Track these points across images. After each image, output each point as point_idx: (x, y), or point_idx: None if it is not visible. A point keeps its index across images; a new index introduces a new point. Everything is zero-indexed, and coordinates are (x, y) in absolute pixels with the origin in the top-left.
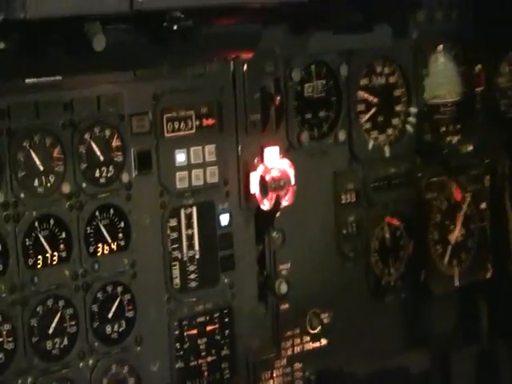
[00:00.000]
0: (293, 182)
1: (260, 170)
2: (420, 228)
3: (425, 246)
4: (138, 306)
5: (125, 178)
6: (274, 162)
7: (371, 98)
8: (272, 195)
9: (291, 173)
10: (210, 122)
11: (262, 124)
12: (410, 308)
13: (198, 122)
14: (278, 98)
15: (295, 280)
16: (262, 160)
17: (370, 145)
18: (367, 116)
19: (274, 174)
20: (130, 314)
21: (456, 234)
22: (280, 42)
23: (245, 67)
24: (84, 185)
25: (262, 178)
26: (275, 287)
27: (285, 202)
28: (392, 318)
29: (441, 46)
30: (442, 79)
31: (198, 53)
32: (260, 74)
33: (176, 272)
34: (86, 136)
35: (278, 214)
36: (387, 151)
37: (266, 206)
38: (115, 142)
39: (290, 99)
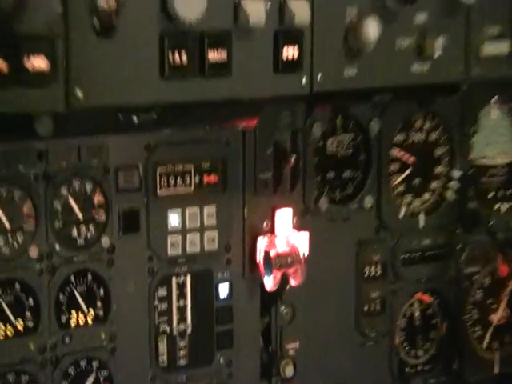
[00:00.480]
0: (303, 260)
1: (264, 242)
2: (457, 306)
3: (461, 327)
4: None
5: (106, 240)
6: (285, 228)
7: (407, 157)
8: (277, 274)
9: (302, 248)
10: (212, 179)
11: (274, 184)
12: None
13: (197, 179)
14: (294, 157)
15: (304, 362)
16: (272, 224)
17: (402, 212)
18: (401, 178)
19: (281, 248)
20: None
21: (499, 315)
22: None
23: (257, 120)
24: (57, 246)
25: (266, 254)
26: (280, 369)
27: (293, 282)
28: None
29: (495, 97)
30: (494, 137)
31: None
32: (274, 126)
33: (163, 347)
34: (63, 190)
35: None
36: (422, 220)
37: (269, 285)
38: (97, 199)
39: (309, 157)
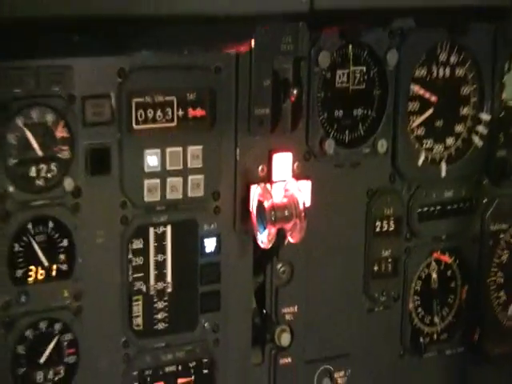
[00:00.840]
0: (303, 213)
1: (258, 191)
2: (480, 268)
3: (484, 291)
4: (81, 349)
5: (70, 182)
6: (284, 175)
7: (428, 95)
8: (271, 229)
9: (302, 199)
10: (199, 113)
11: (272, 121)
12: (456, 370)
13: (181, 113)
14: (295, 90)
15: (303, 328)
16: (268, 169)
17: (421, 158)
18: (421, 119)
19: (277, 199)
20: (70, 360)
21: None
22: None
23: (252, 43)
24: (11, 188)
25: (260, 205)
26: (275, 336)
27: (290, 239)
28: (432, 382)
29: None
30: None
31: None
32: (273, 53)
33: (138, 309)
34: (18, 122)
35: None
36: (444, 169)
37: (262, 242)
38: (60, 133)
39: (314, 91)
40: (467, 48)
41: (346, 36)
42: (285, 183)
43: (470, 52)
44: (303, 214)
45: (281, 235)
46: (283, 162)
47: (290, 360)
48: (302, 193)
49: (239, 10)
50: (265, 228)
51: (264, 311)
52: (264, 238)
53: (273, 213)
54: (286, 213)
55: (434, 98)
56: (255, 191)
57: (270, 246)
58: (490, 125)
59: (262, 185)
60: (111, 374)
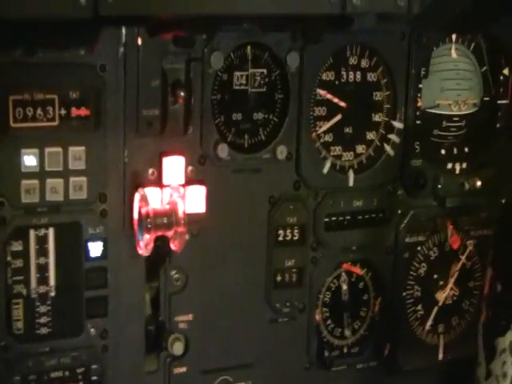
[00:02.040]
0: (182, 220)
1: (137, 197)
2: (394, 281)
3: (399, 305)
4: None
5: None
6: (175, 179)
7: (337, 100)
8: (149, 237)
9: (182, 205)
10: (83, 112)
11: (162, 123)
12: None
13: (63, 112)
14: (182, 93)
15: (199, 337)
16: (159, 172)
17: (327, 166)
18: (328, 125)
19: (157, 206)
20: None
21: (447, 293)
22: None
23: (139, 41)
24: None
25: (139, 210)
26: (168, 345)
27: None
28: None
29: (453, 35)
30: (451, 82)
31: None
32: (163, 52)
33: (18, 313)
34: None
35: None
36: (351, 177)
37: (141, 249)
38: None
39: (208, 93)
40: (379, 52)
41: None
42: (174, 188)
43: (382, 56)
44: (183, 222)
45: (165, 243)
46: (175, 166)
47: (184, 369)
48: (190, 199)
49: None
50: (142, 235)
51: (159, 318)
52: (141, 245)
53: (149, 220)
54: (165, 220)
55: (343, 104)
56: (137, 197)
57: (147, 254)
58: (403, 133)
59: (141, 191)
60: None
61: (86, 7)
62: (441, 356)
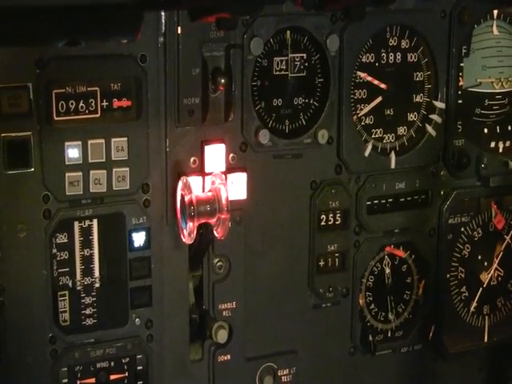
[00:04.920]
0: (225, 207)
1: (180, 185)
2: (438, 263)
3: (443, 287)
4: (6, 345)
5: None
6: (217, 167)
7: (377, 82)
8: (192, 225)
9: (226, 192)
10: (124, 103)
11: (203, 111)
12: (413, 368)
13: (105, 104)
14: (223, 80)
15: (242, 325)
16: (201, 161)
17: (369, 149)
18: (369, 107)
19: (200, 193)
20: None
21: (491, 274)
22: None
23: (179, 29)
24: None
25: (181, 198)
26: (212, 333)
27: (216, 234)
28: (386, 380)
29: (495, 11)
30: (492, 60)
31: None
32: (202, 40)
33: (64, 304)
34: None
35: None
36: (393, 160)
37: (184, 237)
38: None
39: (248, 79)
40: (419, 32)
41: (284, 22)
42: (215, 176)
43: (422, 36)
44: (226, 209)
45: (208, 230)
46: (216, 154)
47: (228, 357)
48: (231, 186)
49: None
50: (186, 223)
51: (203, 307)
52: (185, 233)
53: (192, 207)
54: (208, 207)
55: (383, 85)
56: (180, 185)
57: (190, 242)
58: (445, 113)
59: (184, 179)
60: (39, 369)
61: None
62: (486, 338)
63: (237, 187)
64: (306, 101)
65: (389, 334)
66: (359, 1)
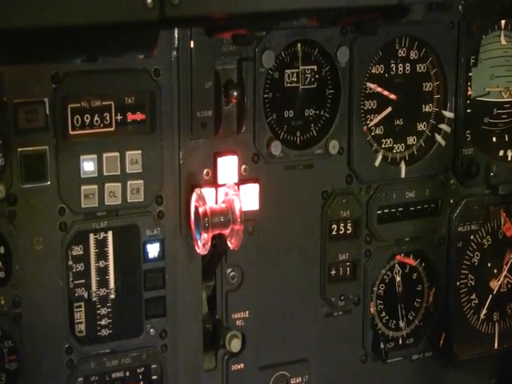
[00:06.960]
0: (238, 218)
1: (194, 196)
2: (448, 270)
3: (453, 295)
4: (23, 356)
5: (1, 189)
6: (230, 178)
7: (387, 93)
8: (206, 236)
9: (239, 203)
10: (139, 117)
11: (216, 124)
12: (424, 375)
13: (120, 117)
14: (235, 93)
15: (255, 334)
16: (214, 173)
17: (379, 159)
18: (379, 118)
19: (213, 205)
20: (11, 367)
21: (500, 281)
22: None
23: (192, 44)
24: None
25: (196, 210)
26: (225, 342)
27: (230, 245)
28: None
29: (502, 21)
30: (500, 69)
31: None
32: (215, 54)
33: (80, 315)
34: None
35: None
36: (403, 169)
37: (199, 248)
38: None
39: (260, 92)
40: (428, 43)
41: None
42: (228, 187)
43: (431, 47)
44: (239, 220)
45: (222, 241)
46: (229, 165)
47: (242, 366)
48: (244, 197)
49: None
50: (200, 234)
51: (217, 316)
52: (199, 244)
53: (206, 219)
54: (222, 219)
55: (393, 96)
56: (193, 197)
57: (205, 252)
58: (454, 122)
59: (198, 190)
60: (55, 380)
61: (152, 10)
62: (496, 344)
63: (249, 198)
64: (317, 112)
65: (400, 342)
66: (372, 16)
